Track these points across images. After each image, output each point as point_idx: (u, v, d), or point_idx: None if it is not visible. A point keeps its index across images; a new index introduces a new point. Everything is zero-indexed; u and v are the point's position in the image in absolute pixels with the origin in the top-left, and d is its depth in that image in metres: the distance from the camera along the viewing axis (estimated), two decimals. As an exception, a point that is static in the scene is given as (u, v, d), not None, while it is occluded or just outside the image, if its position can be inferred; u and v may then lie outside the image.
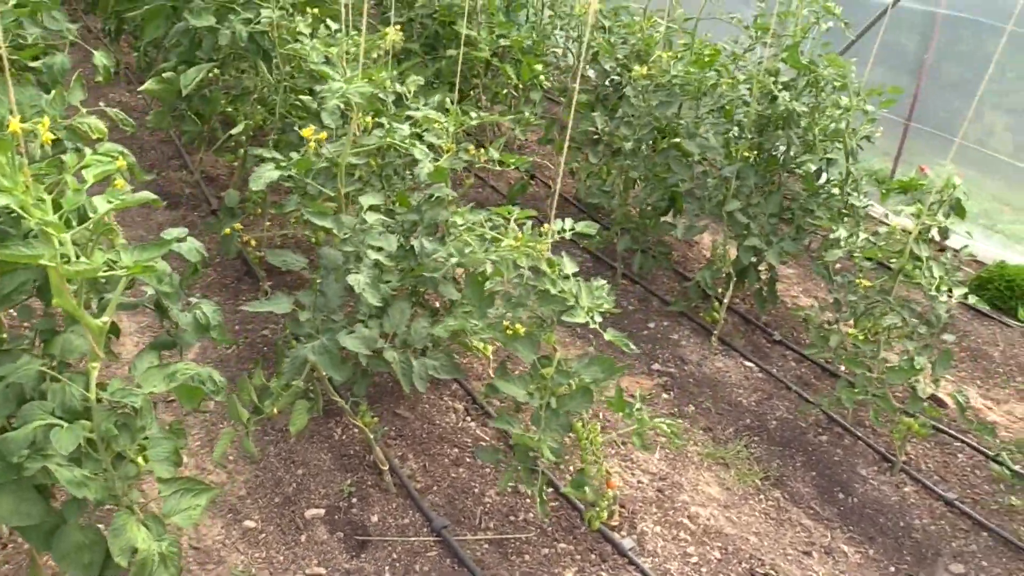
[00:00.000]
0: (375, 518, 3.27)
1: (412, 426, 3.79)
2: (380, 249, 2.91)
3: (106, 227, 2.05)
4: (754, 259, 4.68)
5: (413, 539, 3.19)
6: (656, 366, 4.56)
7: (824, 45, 4.67)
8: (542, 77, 5.89)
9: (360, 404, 3.34)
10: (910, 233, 3.81)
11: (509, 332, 2.80)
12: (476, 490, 3.46)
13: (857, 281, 3.91)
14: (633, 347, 2.83)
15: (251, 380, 3.04)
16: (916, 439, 4.09)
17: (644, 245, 5.07)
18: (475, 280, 2.91)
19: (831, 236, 4.09)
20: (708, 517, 3.59)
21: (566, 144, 3.34)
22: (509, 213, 3.05)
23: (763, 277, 4.85)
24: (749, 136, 4.54)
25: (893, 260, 3.83)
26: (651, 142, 4.84)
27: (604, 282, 3.26)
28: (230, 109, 4.75)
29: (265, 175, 2.85)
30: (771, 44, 4.58)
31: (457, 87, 4.38)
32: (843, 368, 4.44)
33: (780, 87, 4.42)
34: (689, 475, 3.83)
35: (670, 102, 4.64)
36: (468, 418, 3.93)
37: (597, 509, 3.16)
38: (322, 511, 3.29)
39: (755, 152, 4.63)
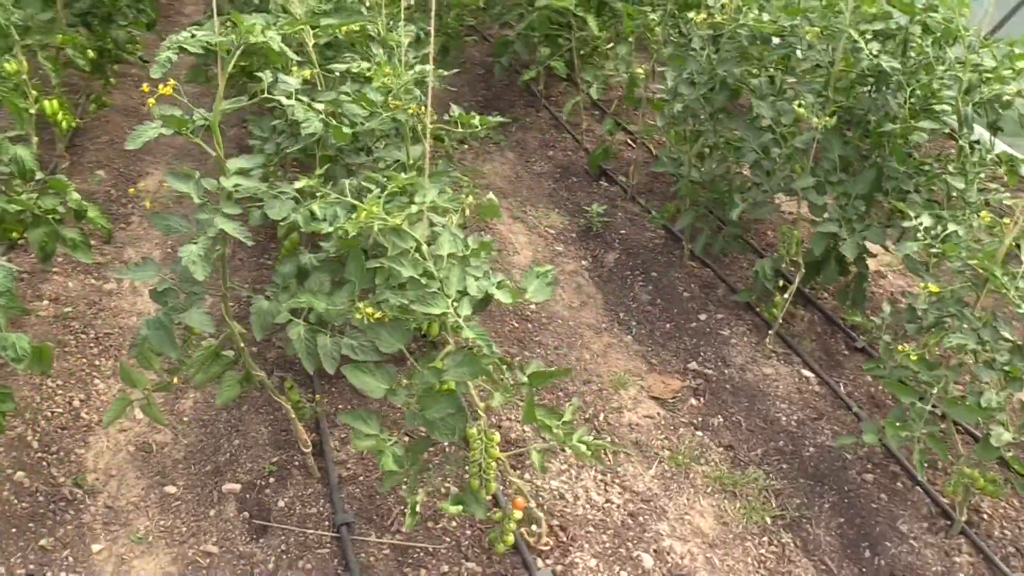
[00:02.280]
0: (283, 503, 3.04)
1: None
2: (233, 217, 2.60)
3: None
4: (834, 248, 3.84)
5: (310, 531, 2.93)
6: (693, 365, 3.91)
7: (955, -17, 3.67)
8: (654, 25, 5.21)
9: (286, 380, 3.12)
10: (1009, 226, 2.89)
11: (374, 315, 2.40)
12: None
13: (922, 286, 3.04)
14: (496, 350, 2.32)
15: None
16: (986, 497, 3.16)
17: (713, 222, 4.35)
18: (356, 253, 2.53)
19: (907, 224, 3.21)
20: (682, 556, 3.00)
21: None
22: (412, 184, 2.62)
23: (852, 270, 3.98)
24: (833, 99, 3.69)
25: (975, 261, 2.93)
26: (721, 104, 4.09)
27: (548, 268, 2.77)
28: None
29: (147, 134, 2.64)
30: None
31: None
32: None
33: (869, 37, 3.52)
34: (681, 501, 3.23)
35: (734, 57, 3.87)
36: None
37: (501, 531, 2.71)
38: (238, 487, 3.12)
39: (840, 118, 3.76)
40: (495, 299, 2.57)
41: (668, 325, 4.16)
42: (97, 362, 3.61)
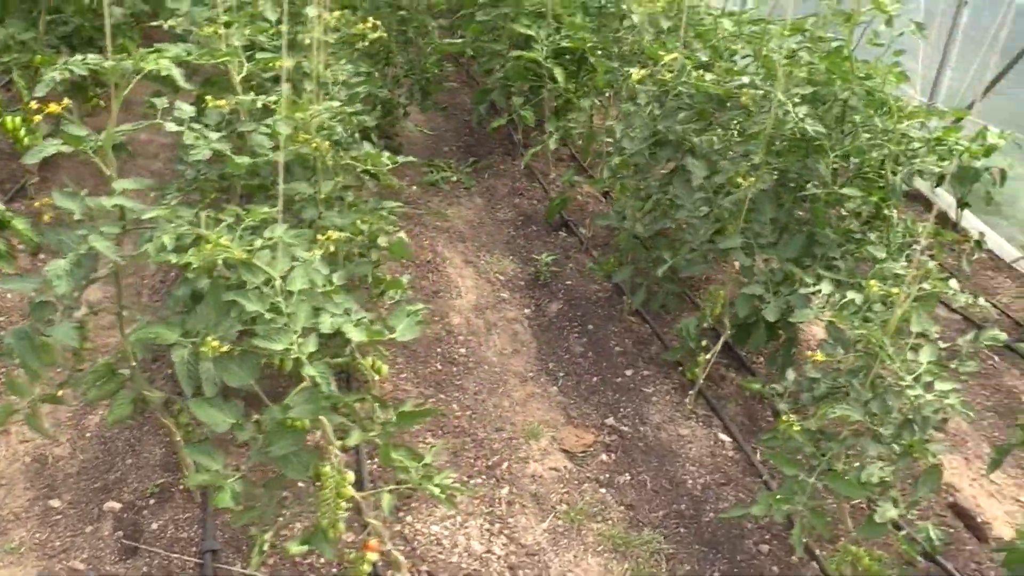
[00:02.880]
0: (157, 525, 3.03)
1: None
2: (107, 235, 2.64)
3: None
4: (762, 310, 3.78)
5: (175, 557, 2.91)
6: (611, 420, 3.84)
7: (896, 54, 3.66)
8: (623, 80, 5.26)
9: (175, 402, 3.13)
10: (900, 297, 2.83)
11: (220, 348, 2.40)
12: (286, 514, 3.09)
13: (809, 355, 2.97)
14: (332, 388, 2.28)
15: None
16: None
17: (655, 278, 4.32)
18: (214, 285, 2.54)
19: (803, 291, 3.15)
20: (554, 614, 2.92)
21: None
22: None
23: (782, 334, 3.91)
24: (766, 160, 3.67)
25: (862, 331, 2.85)
26: (666, 160, 4.09)
27: (419, 307, 2.76)
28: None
29: (46, 150, 2.71)
30: (811, 47, 3.67)
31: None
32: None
33: (797, 100, 3.51)
34: (567, 558, 3.15)
35: (674, 114, 3.87)
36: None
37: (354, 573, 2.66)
38: (119, 506, 3.12)
39: (778, 181, 3.74)
40: (375, 336, 2.57)
41: (595, 379, 4.11)
42: (3, 369, 3.66)
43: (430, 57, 5.85)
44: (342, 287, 2.97)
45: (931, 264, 2.96)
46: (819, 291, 3.12)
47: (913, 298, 2.82)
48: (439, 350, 4.20)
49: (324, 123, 3.20)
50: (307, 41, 3.85)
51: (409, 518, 3.15)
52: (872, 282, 2.94)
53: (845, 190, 3.45)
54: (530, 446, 3.68)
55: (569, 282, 4.82)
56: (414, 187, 5.89)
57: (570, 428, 3.81)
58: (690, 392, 3.89)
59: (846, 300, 3.05)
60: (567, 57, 5.52)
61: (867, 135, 3.43)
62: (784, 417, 2.92)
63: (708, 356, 3.81)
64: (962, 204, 5.18)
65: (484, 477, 3.46)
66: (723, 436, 3.76)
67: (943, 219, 5.72)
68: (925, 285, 2.87)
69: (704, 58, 4.43)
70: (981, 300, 2.89)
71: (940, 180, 5.19)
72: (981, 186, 5.19)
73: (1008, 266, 5.48)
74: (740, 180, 3.52)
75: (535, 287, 4.84)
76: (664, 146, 4.09)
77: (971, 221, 5.88)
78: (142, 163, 5.53)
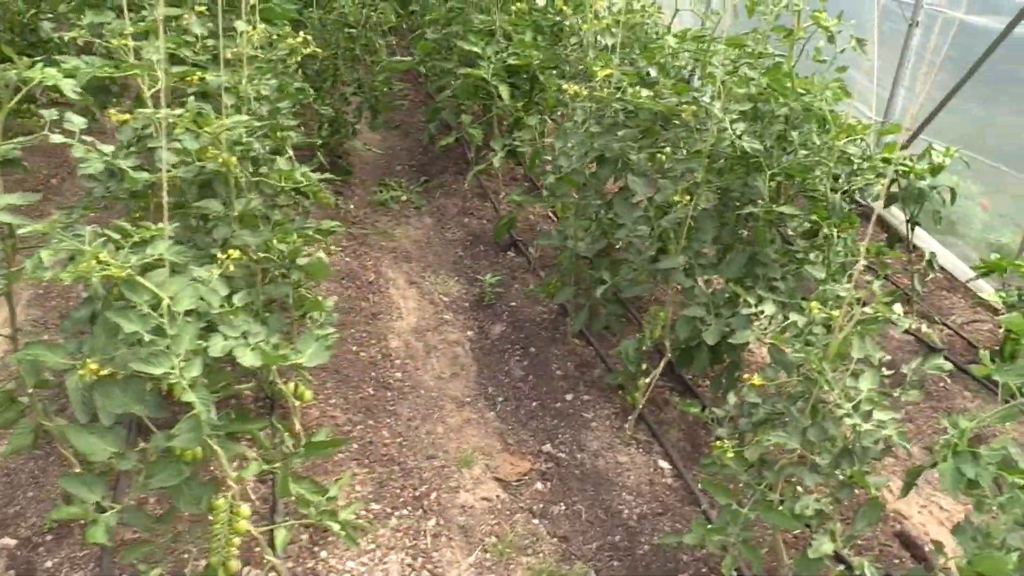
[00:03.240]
0: (52, 563, 2.84)
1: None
2: None
3: None
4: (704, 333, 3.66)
5: (66, 598, 2.72)
6: (547, 447, 3.70)
7: (839, 70, 3.58)
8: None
9: (76, 431, 2.94)
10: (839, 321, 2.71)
11: (100, 372, 2.23)
12: (185, 556, 2.91)
13: (746, 378, 2.84)
14: (212, 416, 2.13)
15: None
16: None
17: (597, 299, 4.19)
18: (105, 304, 2.39)
19: (744, 311, 3.04)
20: (474, 654, 2.75)
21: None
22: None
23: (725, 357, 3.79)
24: (707, 179, 3.56)
25: (800, 355, 2.73)
26: (606, 178, 3.98)
27: (329, 331, 2.61)
28: None
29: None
30: (750, 63, 3.58)
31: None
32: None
33: (735, 116, 3.41)
34: (494, 593, 2.99)
35: (610, 131, 3.77)
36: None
37: (250, 612, 2.49)
38: (14, 542, 2.92)
39: (721, 200, 3.64)
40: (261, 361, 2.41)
41: (534, 403, 3.96)
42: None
43: (379, 75, 5.73)
44: (253, 308, 2.83)
45: (876, 285, 2.84)
46: (761, 312, 3.01)
47: (856, 321, 2.71)
48: (373, 374, 4.04)
49: (239, 138, 3.06)
50: (231, 57, 3.73)
51: (324, 553, 2.98)
52: (813, 304, 2.82)
53: (783, 208, 3.35)
54: (462, 475, 3.52)
55: (514, 303, 4.69)
56: (364, 208, 5.75)
57: (505, 455, 3.66)
58: (630, 417, 3.75)
59: (788, 322, 2.94)
60: (522, 75, 5.43)
61: (804, 152, 3.33)
62: (718, 443, 2.79)
63: (648, 380, 3.68)
64: (912, 223, 5.14)
65: (410, 508, 3.30)
66: (663, 463, 3.62)
67: (895, 239, 5.66)
68: (867, 309, 2.76)
69: (653, 74, 4.35)
70: (924, 327, 2.78)
71: (891, 199, 5.16)
72: (932, 205, 5.14)
73: (964, 286, 5.41)
74: (676, 199, 3.41)
75: (479, 308, 4.70)
76: (605, 164, 3.99)
77: (926, 240, 5.83)
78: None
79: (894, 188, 5.04)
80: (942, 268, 5.59)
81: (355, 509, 2.54)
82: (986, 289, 4.96)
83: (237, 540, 2.36)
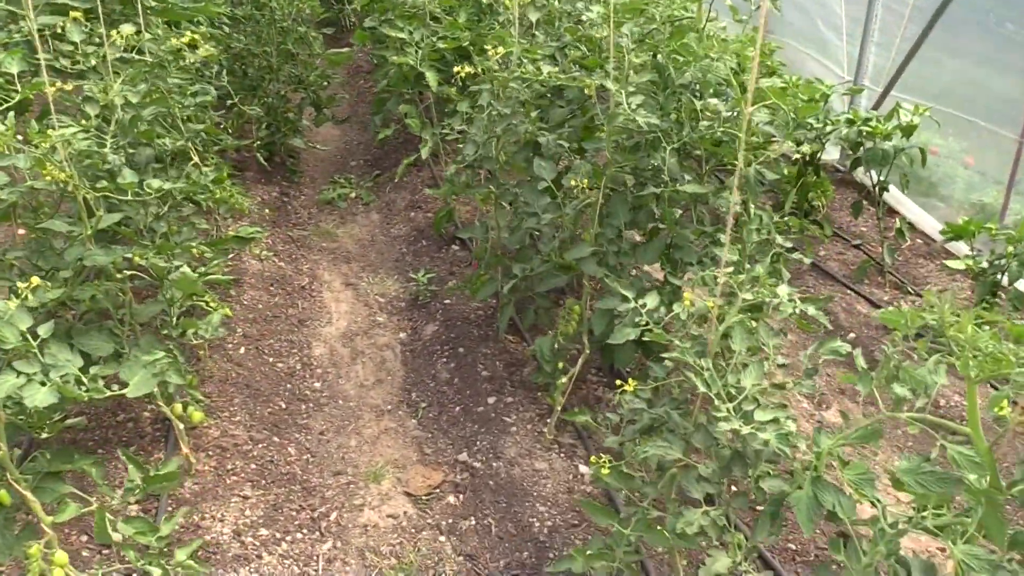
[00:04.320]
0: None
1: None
2: None
3: None
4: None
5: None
6: (463, 456, 3.47)
7: (754, 30, 3.27)
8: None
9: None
10: (712, 315, 2.43)
11: None
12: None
13: (618, 384, 2.57)
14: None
15: None
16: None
17: (524, 294, 3.93)
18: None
19: (623, 306, 2.76)
20: None
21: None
22: None
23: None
24: (614, 159, 3.28)
25: (675, 354, 2.46)
26: (521, 163, 3.71)
27: (159, 356, 2.41)
28: None
29: None
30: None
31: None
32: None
33: (632, 89, 3.12)
34: (384, 622, 2.79)
35: (507, 113, 3.49)
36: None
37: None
38: None
39: (634, 179, 3.36)
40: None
41: (457, 409, 3.74)
42: None
43: (315, 70, 5.52)
44: (112, 331, 2.65)
45: (761, 268, 2.54)
46: (643, 305, 2.73)
47: (742, 308, 2.43)
48: (289, 386, 3.85)
49: (87, 151, 2.86)
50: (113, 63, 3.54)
51: (198, 588, 2.80)
52: (687, 295, 2.54)
53: (687, 187, 3.05)
54: (369, 491, 3.32)
55: (448, 301, 4.45)
56: (311, 208, 5.56)
57: (419, 468, 3.44)
58: (549, 420, 3.50)
59: (673, 314, 2.67)
60: (456, 59, 5.15)
61: (707, 123, 3.03)
62: (593, 459, 2.53)
63: (567, 379, 3.42)
64: (880, 187, 4.77)
65: (305, 531, 3.10)
66: (584, 468, 3.37)
67: (890, 211, 5.29)
68: (748, 295, 2.47)
69: (584, 50, 4.06)
70: (811, 309, 2.46)
71: (856, 163, 4.80)
72: (900, 168, 4.77)
73: (946, 251, 5.02)
74: (574, 182, 3.14)
75: (415, 308, 4.48)
76: (523, 149, 3.73)
77: (905, 205, 5.45)
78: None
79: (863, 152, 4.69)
80: (923, 234, 5.22)
81: (193, 548, 2.35)
82: (964, 253, 4.58)
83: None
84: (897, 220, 4.81)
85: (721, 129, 3.02)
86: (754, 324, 2.50)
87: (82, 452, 2.50)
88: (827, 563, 2.10)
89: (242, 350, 3.94)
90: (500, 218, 3.90)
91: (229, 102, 5.01)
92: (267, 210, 5.25)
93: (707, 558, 2.41)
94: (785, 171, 4.93)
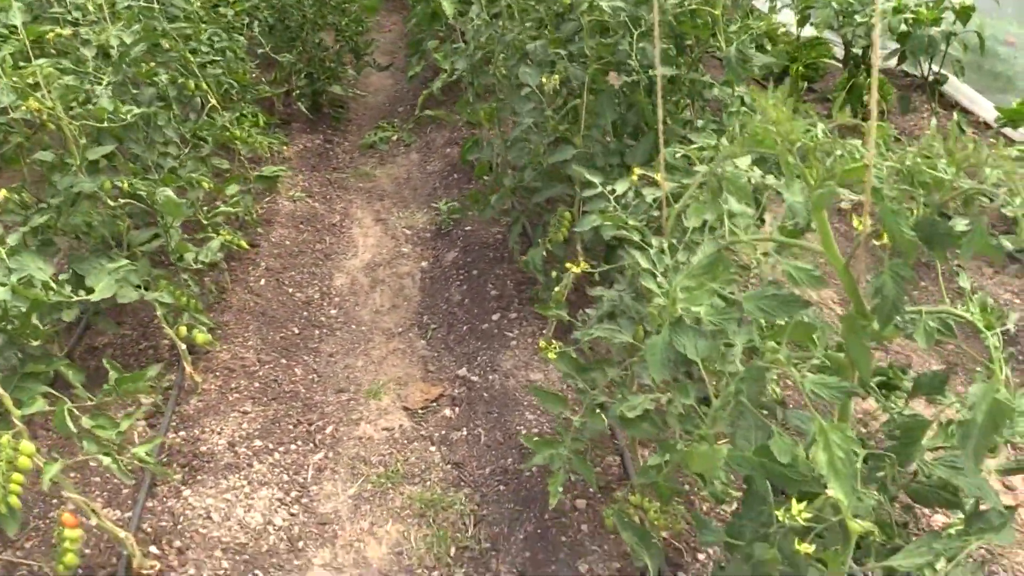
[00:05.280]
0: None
1: None
2: None
3: None
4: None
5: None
6: (463, 371, 3.45)
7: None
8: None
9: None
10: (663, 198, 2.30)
11: None
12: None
13: (568, 265, 2.46)
14: None
15: None
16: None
17: (532, 210, 3.85)
18: None
19: (587, 192, 2.63)
20: (320, 589, 2.60)
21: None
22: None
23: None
24: (596, 55, 3.14)
25: (623, 232, 2.33)
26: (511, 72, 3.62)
27: (121, 264, 2.51)
28: None
29: None
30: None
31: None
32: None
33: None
34: (363, 525, 2.83)
35: (507, 22, 3.40)
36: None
37: (58, 551, 2.45)
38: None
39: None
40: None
41: (465, 328, 3.72)
42: None
43: (349, 15, 5.57)
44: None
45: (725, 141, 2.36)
46: (612, 192, 2.61)
47: (699, 184, 2.28)
48: (305, 314, 3.94)
49: (74, 86, 3.00)
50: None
51: (188, 491, 2.91)
52: (635, 169, 2.41)
53: (661, 70, 2.87)
54: (369, 406, 3.36)
55: (468, 228, 4.42)
56: (352, 152, 5.65)
57: (420, 384, 3.45)
58: (544, 331, 3.42)
59: (637, 200, 2.54)
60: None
61: (675, 1, 2.84)
62: (543, 343, 2.45)
63: (559, 288, 3.32)
64: (935, 80, 4.36)
65: (300, 443, 3.18)
66: (579, 377, 3.27)
67: (949, 106, 4.84)
68: (699, 168, 2.31)
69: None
70: (771, 179, 2.26)
71: (902, 56, 4.40)
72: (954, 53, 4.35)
73: (1007, 140, 4.53)
74: (545, 79, 3.03)
75: (439, 238, 4.48)
76: (522, 60, 3.63)
77: (982, 103, 4.95)
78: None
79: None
80: (990, 128, 4.74)
81: (152, 445, 2.45)
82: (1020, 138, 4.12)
83: (19, 476, 2.32)
84: (955, 114, 4.38)
85: (692, 5, 2.82)
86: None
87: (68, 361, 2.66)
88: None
89: (263, 282, 4.06)
90: (501, 134, 3.83)
91: (260, 51, 5.14)
92: (309, 156, 5.37)
93: (660, 446, 2.30)
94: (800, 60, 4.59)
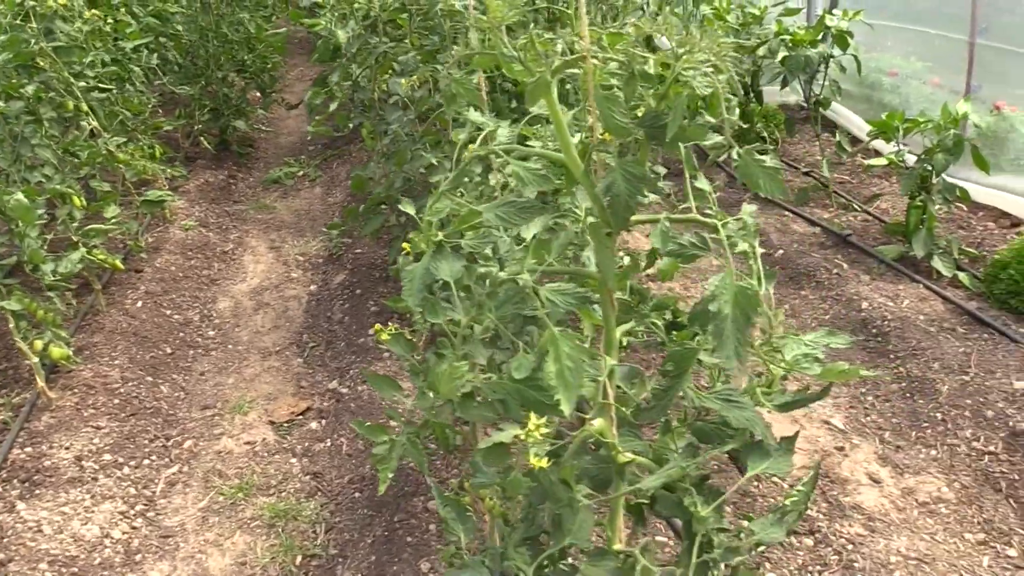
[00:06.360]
0: None
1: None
2: None
3: None
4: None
5: None
6: (334, 384, 3.37)
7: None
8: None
9: None
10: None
11: None
12: None
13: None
14: None
15: None
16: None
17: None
18: None
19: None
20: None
21: None
22: None
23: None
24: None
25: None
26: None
27: None
28: None
29: None
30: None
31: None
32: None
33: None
34: (209, 536, 2.69)
35: (367, 33, 3.42)
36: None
37: None
38: None
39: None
40: None
41: (343, 343, 3.63)
42: None
43: (253, 52, 5.59)
44: None
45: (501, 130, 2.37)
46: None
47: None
48: (181, 335, 3.82)
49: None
50: None
51: (22, 505, 2.75)
52: (470, 147, 2.39)
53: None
54: (233, 422, 3.24)
55: (359, 251, 4.37)
56: (256, 187, 5.60)
57: (288, 399, 3.34)
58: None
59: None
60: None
61: None
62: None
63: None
64: (816, 103, 4.48)
65: (155, 458, 3.03)
66: (448, 385, 3.20)
67: (855, 143, 4.96)
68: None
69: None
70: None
71: (784, 80, 4.52)
72: (831, 75, 4.47)
73: (906, 169, 4.64)
74: (404, 82, 3.03)
75: (330, 263, 4.42)
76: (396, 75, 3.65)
77: (858, 122, 5.10)
78: None
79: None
80: (877, 152, 4.87)
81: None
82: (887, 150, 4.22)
83: None
84: (837, 134, 4.49)
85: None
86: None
87: None
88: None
89: (139, 304, 3.94)
90: (381, 148, 3.82)
91: (158, 81, 5.11)
92: (210, 190, 5.31)
93: (502, 426, 2.23)
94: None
